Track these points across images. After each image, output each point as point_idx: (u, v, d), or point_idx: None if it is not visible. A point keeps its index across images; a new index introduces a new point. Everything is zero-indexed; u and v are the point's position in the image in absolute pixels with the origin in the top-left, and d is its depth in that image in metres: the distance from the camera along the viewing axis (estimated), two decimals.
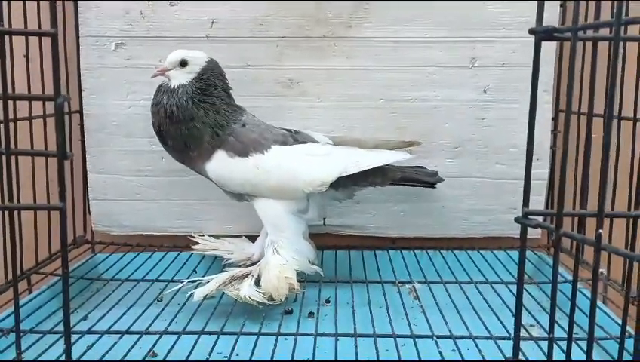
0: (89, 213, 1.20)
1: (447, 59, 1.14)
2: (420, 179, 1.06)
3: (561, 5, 1.14)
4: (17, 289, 0.62)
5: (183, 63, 0.96)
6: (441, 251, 1.17)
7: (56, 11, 0.51)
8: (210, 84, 0.98)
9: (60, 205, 0.53)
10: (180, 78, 0.96)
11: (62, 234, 0.54)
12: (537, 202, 1.15)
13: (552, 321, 0.55)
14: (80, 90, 1.16)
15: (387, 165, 1.03)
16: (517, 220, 0.57)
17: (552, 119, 1.17)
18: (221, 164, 0.97)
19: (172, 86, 0.96)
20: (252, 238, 1.11)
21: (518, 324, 0.59)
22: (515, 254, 1.15)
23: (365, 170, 0.98)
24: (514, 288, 1.00)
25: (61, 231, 0.54)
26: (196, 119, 0.96)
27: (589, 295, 0.87)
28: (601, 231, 0.48)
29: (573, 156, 1.07)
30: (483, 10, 1.12)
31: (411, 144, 1.08)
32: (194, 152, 0.97)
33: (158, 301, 0.99)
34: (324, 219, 1.16)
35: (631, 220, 0.69)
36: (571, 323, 0.55)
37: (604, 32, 0.70)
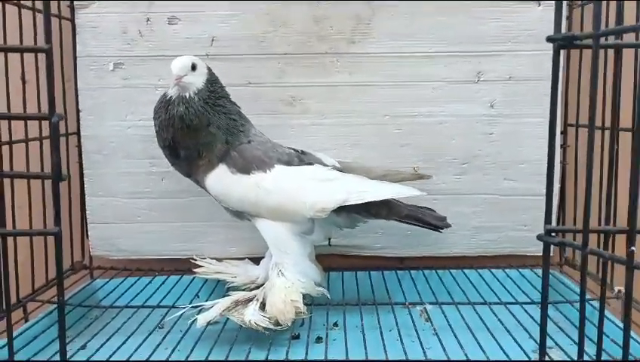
0: (87, 237, 1.17)
1: (452, 73, 1.11)
2: (426, 220, 1.01)
3: (567, 17, 1.12)
4: (11, 320, 0.58)
5: (194, 67, 0.94)
6: (451, 270, 1.14)
7: (50, 27, 0.48)
8: (219, 85, 0.97)
9: (55, 230, 0.50)
10: (195, 83, 0.93)
11: (57, 261, 0.52)
12: None
13: (581, 348, 0.52)
14: (77, 111, 1.13)
15: (395, 201, 1.00)
16: (539, 238, 0.53)
17: (562, 133, 1.14)
18: (222, 179, 0.94)
19: (187, 95, 0.93)
20: (256, 261, 1.08)
21: (542, 350, 0.56)
22: (527, 272, 1.12)
23: (371, 201, 0.95)
24: (528, 308, 0.97)
25: (57, 258, 0.51)
26: (212, 124, 0.94)
27: (605, 313, 0.84)
28: (633, 248, 0.45)
29: (582, 170, 1.04)
30: (488, 24, 1.10)
31: (421, 177, 1.05)
32: (203, 160, 0.95)
33: (159, 328, 0.96)
34: (330, 239, 1.13)
35: None
36: (599, 349, 0.52)
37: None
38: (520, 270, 1.13)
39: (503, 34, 1.10)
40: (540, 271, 1.12)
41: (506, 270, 1.13)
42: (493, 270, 1.13)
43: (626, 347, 0.47)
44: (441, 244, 1.16)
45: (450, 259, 1.17)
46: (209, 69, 0.96)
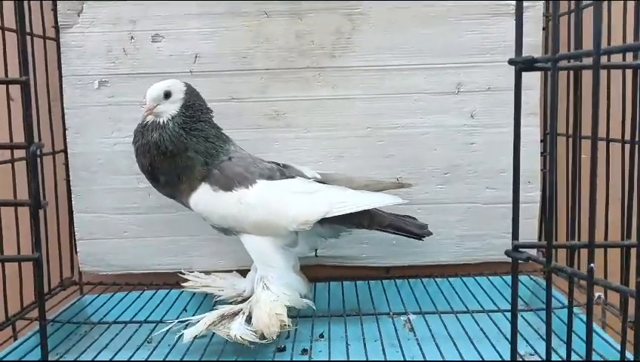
0: (76, 253, 1.18)
1: (432, 85, 1.13)
2: (408, 229, 1.02)
3: (543, 28, 1.14)
4: None
5: (167, 95, 0.95)
6: (436, 279, 1.15)
7: (27, 58, 0.50)
8: (197, 108, 0.97)
9: (35, 256, 0.51)
10: (168, 111, 0.95)
11: (38, 286, 0.53)
12: (531, 225, 1.14)
13: (549, 349, 0.54)
14: (64, 129, 1.15)
15: (377, 210, 1.01)
16: (507, 253, 0.55)
17: (541, 141, 1.16)
18: (205, 197, 0.95)
19: (160, 121, 0.95)
20: (244, 273, 1.09)
21: (514, 350, 0.58)
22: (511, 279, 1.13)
23: (353, 211, 0.96)
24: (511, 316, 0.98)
25: (37, 283, 0.52)
26: (189, 149, 0.95)
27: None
28: (592, 264, 0.47)
29: (565, 179, 1.06)
30: (466, 36, 1.12)
31: (402, 186, 1.06)
32: (184, 184, 0.96)
33: (147, 343, 0.97)
34: (316, 250, 1.14)
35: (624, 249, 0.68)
36: (569, 351, 0.54)
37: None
38: (503, 277, 1.14)
39: (481, 46, 1.12)
40: (523, 279, 1.14)
41: (490, 277, 1.15)
42: (477, 277, 1.15)
43: (588, 352, 0.49)
44: (426, 253, 1.18)
45: (435, 267, 1.18)
46: (187, 93, 0.97)
